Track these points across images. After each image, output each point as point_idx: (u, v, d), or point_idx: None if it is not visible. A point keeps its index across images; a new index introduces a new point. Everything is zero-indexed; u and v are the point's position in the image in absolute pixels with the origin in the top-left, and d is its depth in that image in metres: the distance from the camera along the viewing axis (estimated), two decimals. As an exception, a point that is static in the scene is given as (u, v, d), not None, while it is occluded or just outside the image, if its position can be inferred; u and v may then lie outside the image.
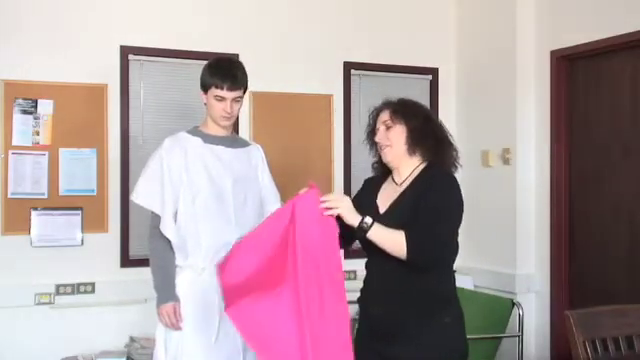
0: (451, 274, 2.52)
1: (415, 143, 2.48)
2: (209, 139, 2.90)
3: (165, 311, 2.78)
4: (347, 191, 4.61)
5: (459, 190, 2.45)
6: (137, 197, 2.90)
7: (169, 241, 2.82)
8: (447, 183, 2.42)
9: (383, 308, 2.44)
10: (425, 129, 2.49)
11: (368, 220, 2.33)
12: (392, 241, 2.32)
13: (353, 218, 2.34)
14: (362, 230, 2.33)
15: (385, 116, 2.53)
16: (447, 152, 2.53)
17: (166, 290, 2.81)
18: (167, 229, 2.80)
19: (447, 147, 2.53)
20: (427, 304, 2.39)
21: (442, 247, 2.38)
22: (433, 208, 2.35)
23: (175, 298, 2.80)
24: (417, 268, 2.34)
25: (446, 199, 2.40)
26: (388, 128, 2.51)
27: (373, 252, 2.42)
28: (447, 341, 2.41)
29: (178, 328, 2.78)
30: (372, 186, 2.63)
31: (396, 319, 2.39)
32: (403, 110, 2.51)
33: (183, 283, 2.83)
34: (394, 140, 2.49)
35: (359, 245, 2.52)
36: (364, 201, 2.55)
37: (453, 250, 2.47)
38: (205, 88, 2.87)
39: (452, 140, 2.57)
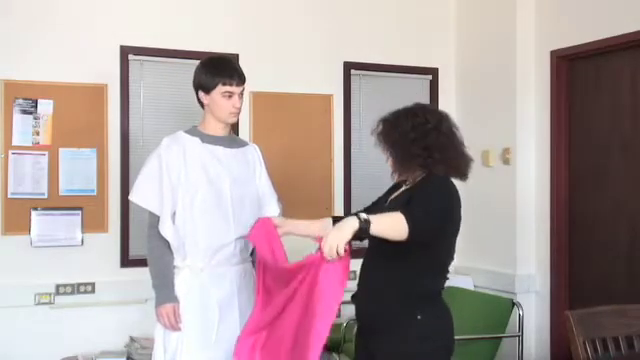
0: (434, 274, 2.52)
1: (402, 171, 2.53)
2: (207, 139, 2.89)
3: (164, 312, 2.77)
4: (347, 190, 4.62)
5: (448, 190, 2.45)
6: (135, 196, 2.89)
7: (167, 241, 2.82)
8: (437, 183, 2.45)
9: (366, 305, 2.55)
10: (409, 155, 2.47)
11: (362, 216, 2.29)
12: (391, 220, 2.30)
13: (350, 229, 2.28)
14: (366, 228, 2.27)
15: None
16: (445, 162, 2.49)
17: (165, 291, 2.81)
18: (165, 229, 2.80)
19: (442, 158, 2.49)
20: (401, 301, 2.45)
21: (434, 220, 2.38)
22: (421, 196, 2.40)
23: (174, 299, 2.79)
24: (415, 239, 2.32)
25: (429, 193, 2.41)
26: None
27: (368, 251, 2.57)
28: (417, 337, 2.43)
29: (177, 329, 2.77)
30: (392, 189, 2.71)
31: (374, 315, 2.50)
32: (385, 139, 2.53)
33: (182, 284, 2.82)
34: (391, 165, 2.57)
35: (359, 245, 2.53)
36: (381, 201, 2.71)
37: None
38: (208, 88, 2.83)
39: (451, 148, 2.52)
